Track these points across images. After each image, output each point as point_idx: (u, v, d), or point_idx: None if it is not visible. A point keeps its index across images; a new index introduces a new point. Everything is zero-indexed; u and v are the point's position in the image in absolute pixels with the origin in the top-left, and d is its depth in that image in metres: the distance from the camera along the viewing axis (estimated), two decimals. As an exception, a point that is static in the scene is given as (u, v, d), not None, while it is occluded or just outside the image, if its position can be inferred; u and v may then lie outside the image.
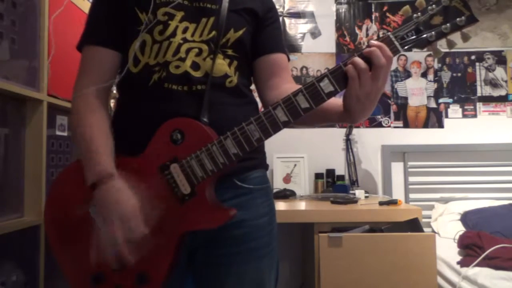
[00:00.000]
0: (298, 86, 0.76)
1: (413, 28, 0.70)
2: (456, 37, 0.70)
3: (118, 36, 0.87)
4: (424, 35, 0.70)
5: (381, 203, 1.86)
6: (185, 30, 0.85)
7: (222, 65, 0.87)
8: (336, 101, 0.79)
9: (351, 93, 0.72)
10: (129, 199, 0.76)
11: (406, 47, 0.71)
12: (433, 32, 0.69)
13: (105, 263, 0.80)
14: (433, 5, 0.69)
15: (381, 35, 2.60)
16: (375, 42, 0.70)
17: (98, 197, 0.77)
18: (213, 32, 0.87)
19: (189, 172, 0.78)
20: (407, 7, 0.70)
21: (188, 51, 0.85)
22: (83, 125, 0.83)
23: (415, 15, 0.70)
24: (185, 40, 0.85)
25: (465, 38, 0.69)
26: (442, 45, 0.73)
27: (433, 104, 2.60)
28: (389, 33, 0.71)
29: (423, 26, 0.70)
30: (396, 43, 0.70)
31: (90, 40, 0.89)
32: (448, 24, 0.68)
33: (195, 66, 0.85)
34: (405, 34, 0.70)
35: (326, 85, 0.72)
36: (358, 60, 0.70)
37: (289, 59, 1.01)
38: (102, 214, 0.77)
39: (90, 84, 0.86)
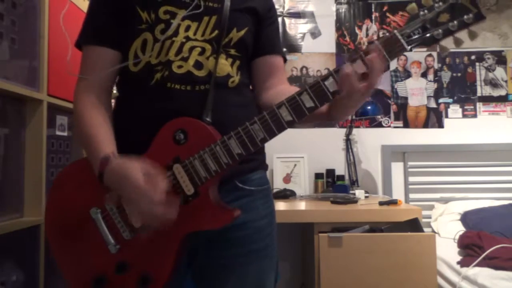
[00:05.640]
0: (293, 87, 0.76)
1: (420, 26, 0.69)
2: (463, 34, 0.69)
3: (119, 35, 0.86)
4: (431, 33, 0.69)
5: (381, 203, 1.86)
6: (187, 29, 0.85)
7: (224, 65, 0.87)
8: None
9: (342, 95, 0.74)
10: (137, 168, 0.72)
11: (412, 45, 0.70)
12: (440, 30, 0.69)
13: (107, 265, 0.79)
14: (440, 3, 0.68)
15: (381, 35, 2.60)
16: (376, 46, 0.70)
17: (108, 180, 0.75)
18: (216, 31, 0.86)
19: (192, 173, 0.77)
20: (413, 4, 0.69)
21: (191, 49, 0.84)
22: (84, 124, 0.83)
23: (421, 12, 0.69)
24: (187, 39, 0.84)
25: (473, 36, 0.68)
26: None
27: (433, 104, 2.60)
28: (395, 30, 0.70)
29: (430, 23, 0.69)
30: (403, 41, 0.69)
31: (91, 40, 0.88)
32: (455, 22, 0.67)
33: (198, 65, 0.84)
34: (412, 32, 0.70)
35: (331, 84, 0.72)
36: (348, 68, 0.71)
37: (285, 60, 1.02)
38: (122, 194, 0.75)
39: (90, 83, 0.86)
